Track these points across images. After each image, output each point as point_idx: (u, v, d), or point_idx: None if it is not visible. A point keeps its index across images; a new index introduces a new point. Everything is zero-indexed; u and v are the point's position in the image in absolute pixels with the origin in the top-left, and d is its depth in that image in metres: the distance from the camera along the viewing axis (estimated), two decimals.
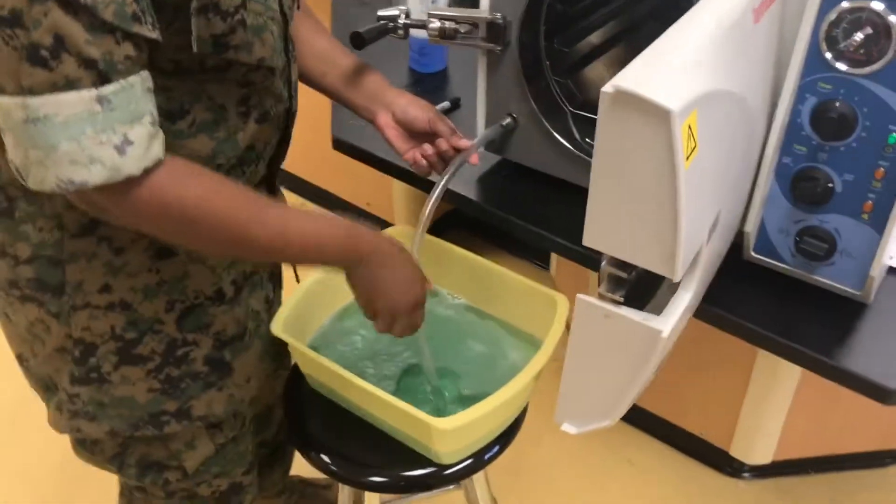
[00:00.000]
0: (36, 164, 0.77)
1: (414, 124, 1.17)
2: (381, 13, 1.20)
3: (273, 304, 1.22)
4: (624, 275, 0.76)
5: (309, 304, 1.25)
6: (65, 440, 1.16)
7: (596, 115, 1.23)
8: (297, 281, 1.27)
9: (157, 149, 0.82)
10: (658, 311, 0.80)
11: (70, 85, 0.74)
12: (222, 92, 0.94)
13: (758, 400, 1.76)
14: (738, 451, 1.89)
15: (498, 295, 1.31)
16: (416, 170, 1.20)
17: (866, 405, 1.76)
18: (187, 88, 0.89)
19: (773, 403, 1.75)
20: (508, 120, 1.23)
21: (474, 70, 1.24)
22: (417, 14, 1.42)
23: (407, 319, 1.09)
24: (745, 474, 1.93)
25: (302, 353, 1.15)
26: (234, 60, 0.90)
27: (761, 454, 1.87)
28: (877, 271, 0.99)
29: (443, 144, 1.17)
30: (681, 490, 1.92)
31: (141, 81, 0.79)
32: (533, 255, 2.54)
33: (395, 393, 1.19)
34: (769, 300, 1.07)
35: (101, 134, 0.77)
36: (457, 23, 1.16)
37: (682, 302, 0.78)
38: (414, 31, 1.21)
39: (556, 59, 1.21)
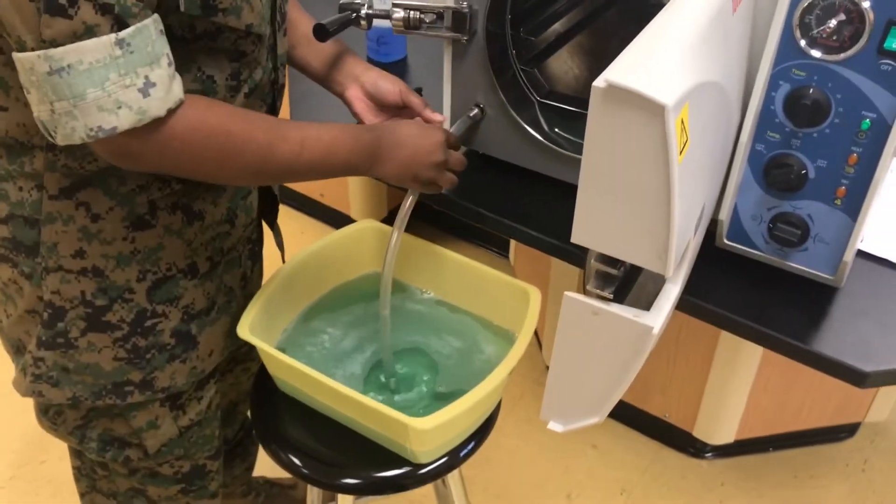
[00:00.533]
0: (64, 116, 0.78)
1: (385, 97, 1.18)
2: (343, 2, 1.16)
3: (250, 281, 1.22)
4: (613, 271, 0.75)
5: (275, 305, 1.22)
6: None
7: (563, 104, 1.24)
8: (283, 261, 1.26)
9: (178, 89, 0.84)
10: (638, 302, 0.79)
11: (90, 31, 0.75)
12: (212, 64, 0.93)
13: (720, 382, 1.78)
14: (701, 432, 1.92)
15: (469, 289, 1.29)
16: None
17: (823, 383, 1.81)
18: (177, 55, 0.88)
19: (736, 385, 1.77)
20: (476, 111, 1.20)
21: (435, 58, 1.22)
22: (380, 3, 1.39)
23: (445, 170, 1.11)
24: (708, 454, 1.96)
25: (270, 356, 1.12)
26: (223, 25, 0.89)
27: (724, 434, 1.90)
28: (850, 256, 1.00)
29: (413, 109, 1.18)
30: (645, 472, 1.94)
31: (154, 23, 0.80)
32: (491, 243, 2.53)
33: (364, 392, 1.17)
34: (743, 287, 1.07)
35: (125, 77, 0.78)
36: (422, 12, 1.13)
37: (672, 297, 0.77)
38: (377, 21, 1.17)
39: (523, 48, 1.20)
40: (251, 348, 1.25)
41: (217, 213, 1.08)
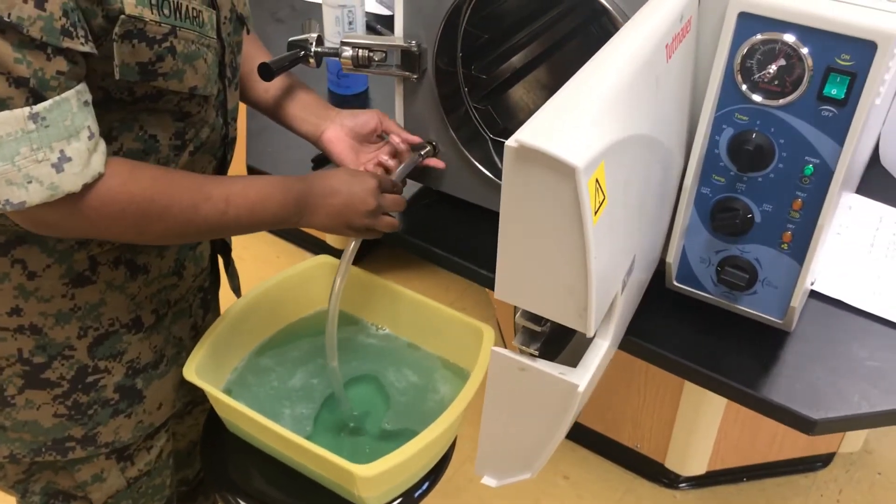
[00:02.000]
0: None
1: (366, 126, 1.17)
2: (291, 39, 1.15)
3: (201, 331, 1.19)
4: (538, 328, 0.73)
5: (224, 344, 1.21)
6: None
7: None
8: (238, 296, 1.25)
9: (97, 163, 0.81)
10: (575, 359, 0.78)
11: (2, 104, 0.73)
12: (155, 123, 0.92)
13: (690, 414, 1.76)
14: (672, 464, 1.90)
15: (424, 326, 1.27)
16: None
17: None
18: (118, 117, 0.87)
19: (706, 416, 1.76)
20: (428, 148, 1.19)
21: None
22: (332, 37, 1.38)
23: (381, 215, 1.08)
24: (682, 485, 1.93)
25: (216, 399, 1.10)
26: (164, 89, 0.88)
27: (696, 465, 1.88)
28: (797, 301, 0.98)
29: (395, 139, 1.17)
30: (619, 503, 1.92)
31: (76, 96, 0.78)
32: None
33: (314, 432, 1.15)
34: (693, 330, 1.06)
35: (38, 152, 0.76)
36: (370, 50, 1.12)
37: (599, 353, 0.76)
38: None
39: (475, 86, 1.19)
40: None
41: (164, 266, 1.06)
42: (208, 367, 1.16)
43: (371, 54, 1.13)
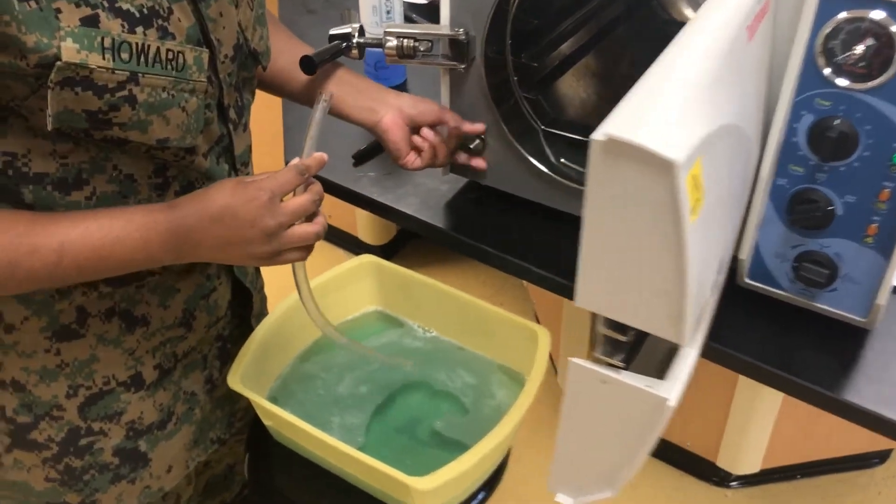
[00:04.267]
0: None
1: (425, 117, 1.07)
2: (332, 32, 1.09)
3: (218, 384, 1.10)
4: (622, 338, 0.68)
5: (266, 352, 1.16)
6: None
7: (570, 132, 1.16)
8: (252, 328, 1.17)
9: None
10: (649, 365, 0.72)
11: None
12: (130, 162, 0.82)
13: (743, 412, 1.70)
14: (724, 462, 1.83)
15: (474, 328, 1.22)
16: (415, 165, 1.10)
17: None
18: (87, 156, 0.78)
19: (760, 414, 1.69)
20: (477, 142, 1.13)
21: (436, 82, 1.14)
22: (371, 30, 1.33)
23: (286, 241, 0.84)
24: (733, 483, 1.87)
25: (264, 409, 1.05)
26: (123, 139, 0.78)
27: (749, 464, 1.81)
28: (883, 298, 0.91)
29: (450, 126, 1.08)
30: (668, 502, 1.86)
31: None
32: None
33: (366, 443, 1.10)
34: (766, 329, 0.99)
35: None
36: (416, 40, 1.06)
37: (689, 363, 0.70)
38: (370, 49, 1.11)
39: (525, 74, 1.12)
40: (235, 419, 1.18)
41: (168, 317, 0.96)
42: (253, 375, 1.11)
43: (416, 44, 1.07)
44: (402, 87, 1.49)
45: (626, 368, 0.69)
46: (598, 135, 0.58)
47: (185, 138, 0.82)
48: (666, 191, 0.56)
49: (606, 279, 0.64)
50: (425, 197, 1.22)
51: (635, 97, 0.62)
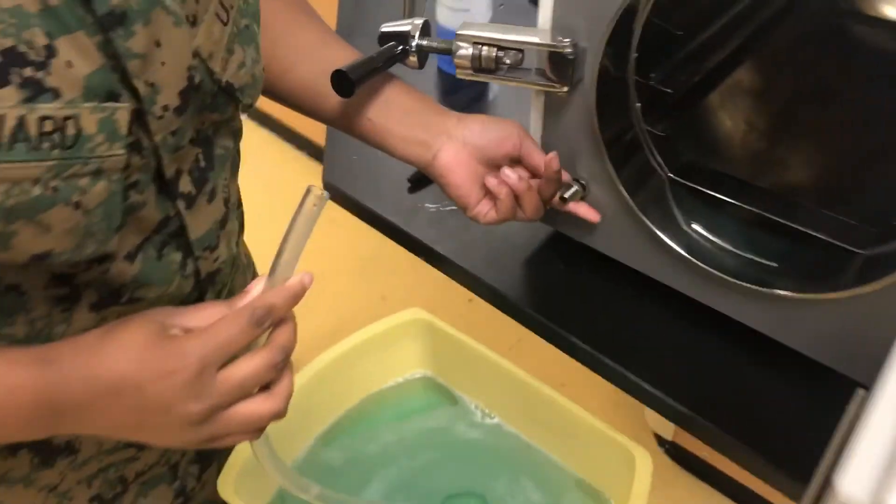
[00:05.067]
0: None
1: (500, 148, 0.76)
2: (385, 29, 0.77)
3: (194, 494, 0.82)
4: None
5: (279, 432, 0.88)
6: None
7: (708, 185, 0.83)
8: None
9: None
10: None
11: None
12: (11, 270, 0.53)
13: None
14: None
15: (547, 421, 0.92)
16: (488, 218, 0.79)
17: None
18: None
19: None
20: (574, 189, 0.81)
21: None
22: (445, 21, 1.00)
23: (224, 427, 0.56)
24: None
25: None
26: None
27: None
28: None
29: (535, 160, 0.77)
30: None
31: None
32: None
33: None
34: None
35: None
36: (500, 49, 0.74)
37: None
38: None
39: (651, 101, 0.79)
40: None
41: (107, 440, 0.69)
42: (253, 473, 0.84)
43: (500, 54, 0.75)
44: (484, 94, 1.13)
45: None
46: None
47: (82, 247, 0.52)
48: None
49: None
50: (497, 247, 0.92)
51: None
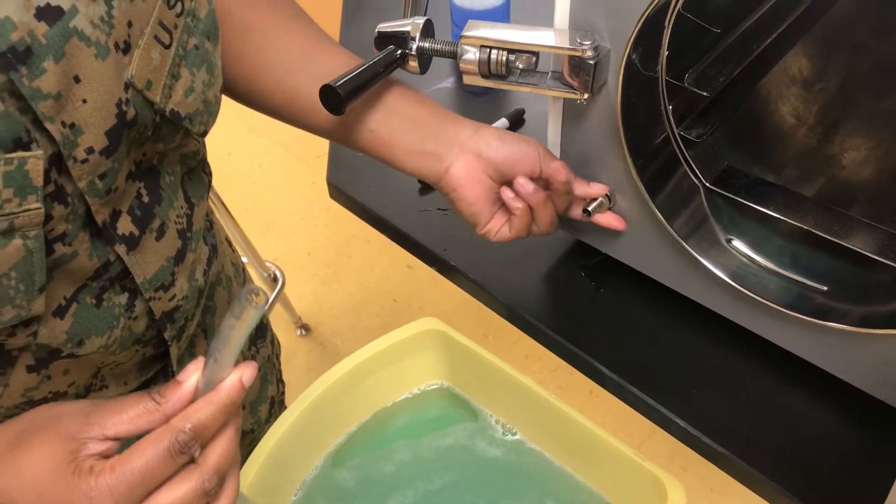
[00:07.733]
0: None
1: (517, 166, 0.69)
2: (381, 28, 0.69)
3: None
4: None
5: (287, 455, 0.83)
6: None
7: (749, 196, 0.73)
8: None
9: None
10: None
11: None
12: None
13: None
14: None
15: (571, 440, 0.86)
16: (500, 236, 0.72)
17: None
18: None
19: None
20: (599, 201, 0.73)
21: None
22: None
23: None
24: None
25: None
26: None
27: None
28: None
29: (559, 177, 0.69)
30: None
31: None
32: None
33: None
34: None
35: None
36: (510, 52, 0.65)
37: None
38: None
39: (684, 103, 0.70)
40: None
41: None
42: (264, 490, 0.79)
43: (512, 58, 0.66)
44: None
45: None
46: None
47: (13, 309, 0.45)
48: None
49: None
50: (517, 260, 0.84)
51: None
